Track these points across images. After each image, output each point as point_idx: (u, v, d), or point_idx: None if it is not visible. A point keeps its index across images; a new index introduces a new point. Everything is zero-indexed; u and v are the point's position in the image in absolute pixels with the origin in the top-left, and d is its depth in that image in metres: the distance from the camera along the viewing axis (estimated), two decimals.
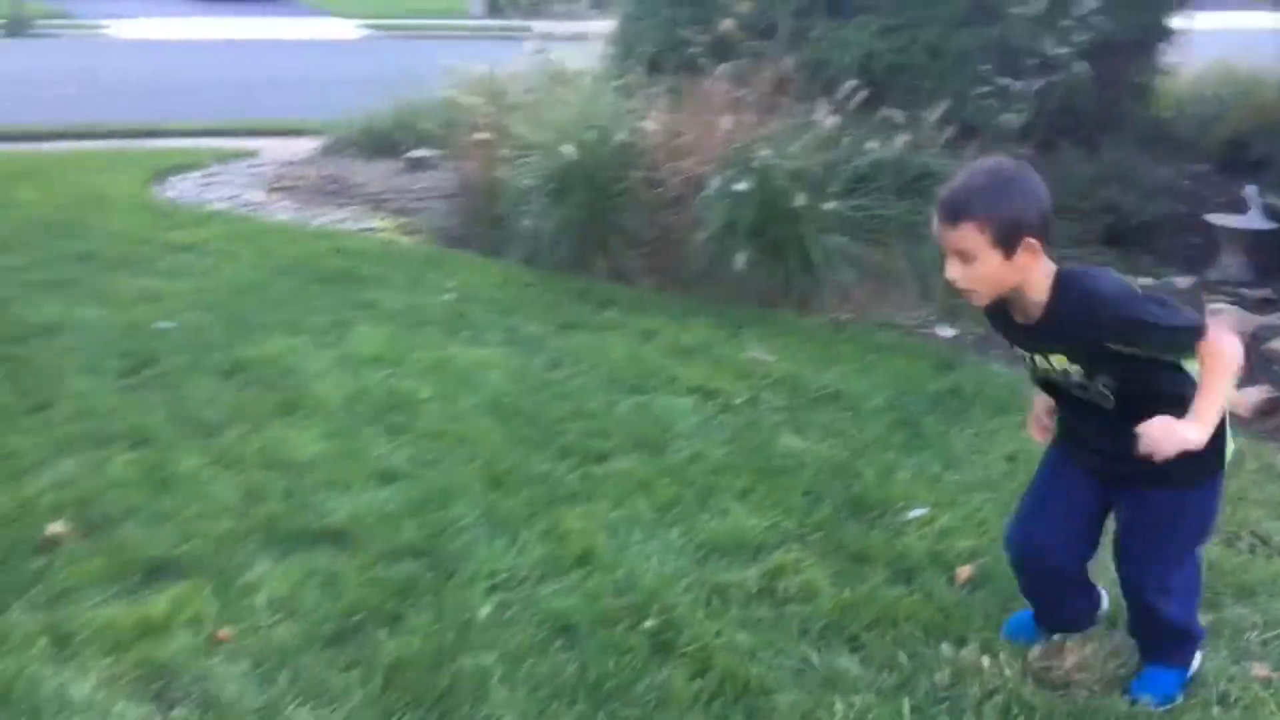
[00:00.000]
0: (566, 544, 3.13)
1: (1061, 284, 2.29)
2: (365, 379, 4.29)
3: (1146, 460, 2.23)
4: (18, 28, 19.50)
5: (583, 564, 3.04)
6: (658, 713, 2.48)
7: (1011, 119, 5.76)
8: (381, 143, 9.00)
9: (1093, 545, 2.59)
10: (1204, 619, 2.70)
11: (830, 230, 5.26)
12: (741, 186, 5.22)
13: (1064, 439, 2.58)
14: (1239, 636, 2.77)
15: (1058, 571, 2.60)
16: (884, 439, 3.86)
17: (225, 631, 2.72)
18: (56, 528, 3.15)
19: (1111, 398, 2.34)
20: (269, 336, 4.75)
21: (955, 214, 2.26)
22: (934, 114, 5.62)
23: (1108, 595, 2.73)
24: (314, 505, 3.33)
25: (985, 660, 2.62)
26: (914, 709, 2.49)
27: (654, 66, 6.56)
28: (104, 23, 21.31)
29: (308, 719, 2.44)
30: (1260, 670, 2.64)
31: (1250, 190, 6.05)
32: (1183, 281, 5.68)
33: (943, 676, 2.59)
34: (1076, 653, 2.64)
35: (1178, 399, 2.24)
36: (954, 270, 2.30)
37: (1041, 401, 2.60)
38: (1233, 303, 5.27)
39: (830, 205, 5.23)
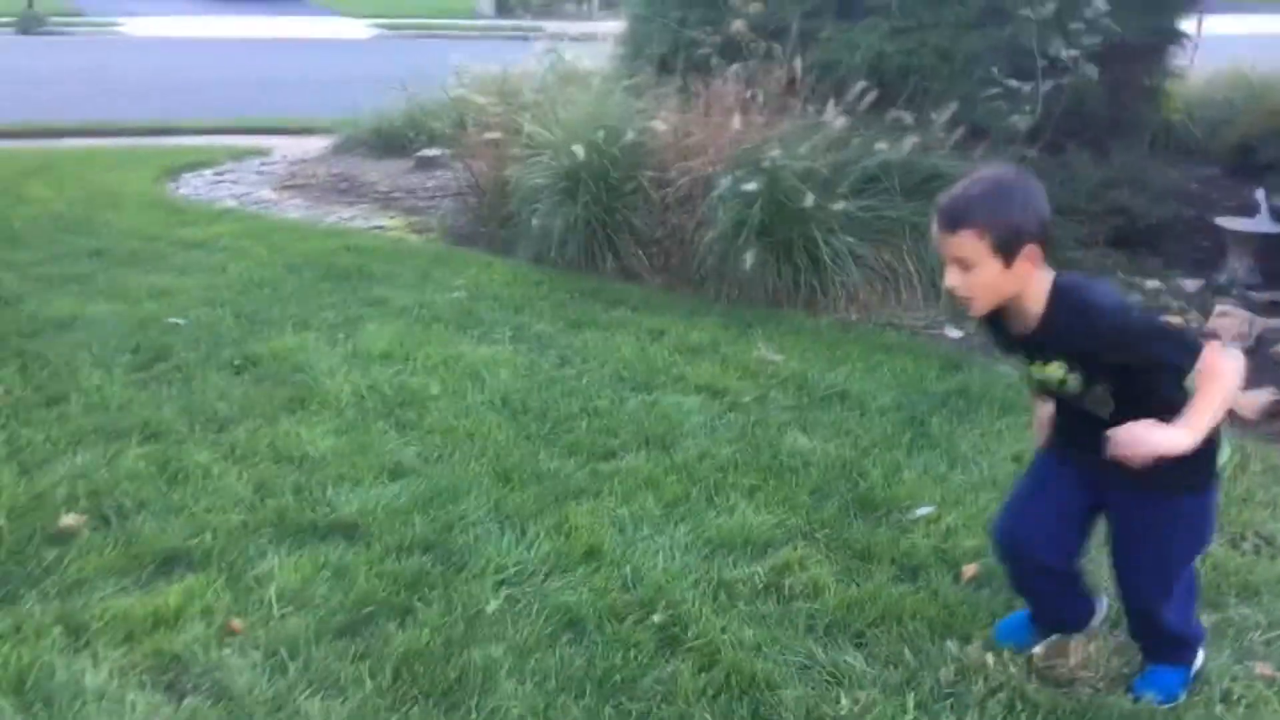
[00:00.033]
0: (574, 539, 3.15)
1: (1058, 294, 2.28)
2: (375, 375, 4.32)
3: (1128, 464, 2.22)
4: (31, 26, 19.61)
5: (590, 559, 3.06)
6: (664, 706, 2.50)
7: (1020, 121, 5.77)
8: (392, 141, 9.05)
9: (1080, 542, 2.58)
10: (1207, 619, 2.71)
11: (839, 231, 5.27)
12: (750, 187, 5.23)
13: (1059, 438, 2.57)
14: (1243, 636, 2.78)
15: (1041, 565, 2.57)
16: (891, 438, 3.88)
17: (237, 623, 2.75)
18: (70, 520, 3.19)
19: (1109, 404, 2.34)
20: (280, 333, 4.78)
21: (955, 221, 2.26)
22: (943, 116, 5.65)
23: (1108, 597, 2.74)
24: (325, 499, 3.36)
25: (989, 657, 2.63)
26: (918, 705, 2.51)
27: (664, 67, 6.59)
28: (117, 21, 21.43)
29: (318, 709, 2.47)
30: (1264, 669, 2.65)
31: (1259, 194, 6.05)
32: (1190, 284, 5.69)
33: (947, 673, 2.60)
34: (1080, 650, 2.65)
35: (1174, 408, 2.22)
36: (953, 278, 2.30)
37: (1044, 407, 2.60)
38: (1240, 306, 5.27)
39: (839, 206, 5.25)
